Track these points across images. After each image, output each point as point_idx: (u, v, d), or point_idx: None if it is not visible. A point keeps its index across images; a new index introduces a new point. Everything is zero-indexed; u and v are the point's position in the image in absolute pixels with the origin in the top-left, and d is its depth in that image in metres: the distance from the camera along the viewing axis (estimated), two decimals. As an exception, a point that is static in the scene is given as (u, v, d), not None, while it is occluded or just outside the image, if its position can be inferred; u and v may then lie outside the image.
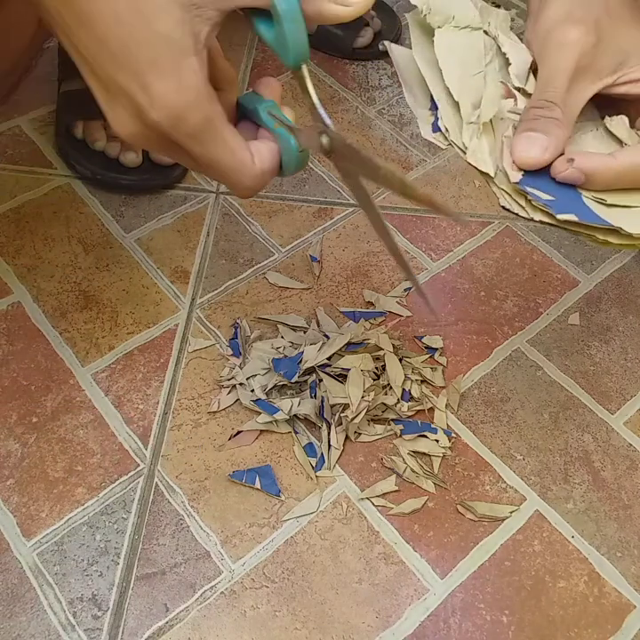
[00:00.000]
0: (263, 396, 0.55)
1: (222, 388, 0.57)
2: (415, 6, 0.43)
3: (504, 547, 0.52)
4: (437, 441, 0.55)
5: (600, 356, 0.62)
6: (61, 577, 0.49)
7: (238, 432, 0.55)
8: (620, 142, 0.43)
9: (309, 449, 0.55)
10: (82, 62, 0.35)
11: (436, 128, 0.42)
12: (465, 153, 0.41)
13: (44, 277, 0.63)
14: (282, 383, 0.56)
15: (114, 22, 0.32)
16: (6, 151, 0.73)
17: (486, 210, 0.72)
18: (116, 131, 0.36)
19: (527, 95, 0.43)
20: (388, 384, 0.56)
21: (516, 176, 0.40)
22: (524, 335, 0.63)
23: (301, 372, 0.55)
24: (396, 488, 0.53)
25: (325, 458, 0.54)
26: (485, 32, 0.45)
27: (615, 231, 0.39)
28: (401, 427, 0.55)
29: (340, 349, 0.57)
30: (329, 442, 0.54)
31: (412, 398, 0.57)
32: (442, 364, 0.60)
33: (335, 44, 0.85)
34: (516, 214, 0.40)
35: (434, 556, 0.51)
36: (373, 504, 0.53)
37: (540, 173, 0.40)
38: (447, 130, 0.42)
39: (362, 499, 0.53)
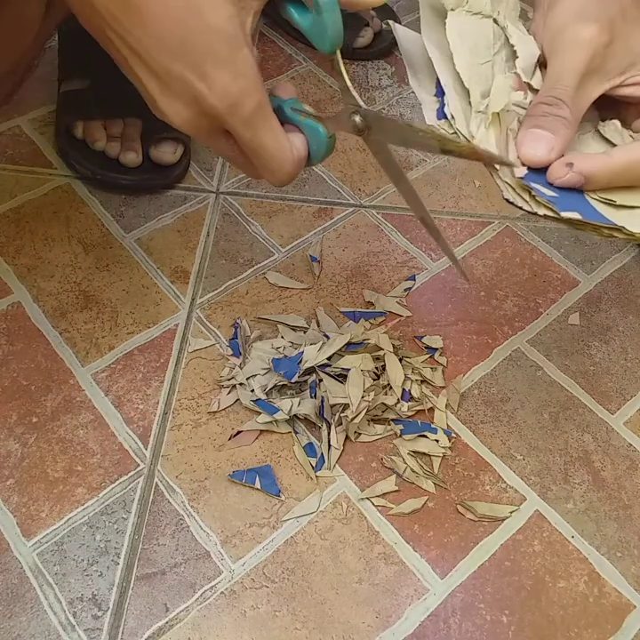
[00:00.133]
0: (263, 396, 0.55)
1: (222, 388, 0.57)
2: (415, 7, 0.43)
3: (504, 547, 0.52)
4: (437, 441, 0.55)
5: (600, 355, 0.62)
6: (61, 577, 0.49)
7: (238, 432, 0.55)
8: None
9: (309, 449, 0.55)
10: (132, 56, 0.37)
11: (440, 114, 0.41)
12: (470, 142, 0.41)
13: (44, 277, 0.63)
14: (282, 383, 0.56)
15: (171, 20, 0.35)
16: (6, 151, 0.73)
17: (486, 210, 0.72)
18: (169, 119, 0.38)
19: (533, 90, 0.42)
20: (388, 384, 0.56)
21: (521, 171, 0.40)
22: (524, 335, 0.63)
23: (301, 372, 0.55)
24: (396, 488, 0.53)
25: (325, 458, 0.54)
26: (495, 21, 0.44)
27: (619, 228, 0.39)
28: (401, 427, 0.55)
29: (340, 349, 0.57)
30: (329, 442, 0.54)
31: (411, 398, 0.57)
32: (442, 364, 0.60)
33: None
34: (520, 208, 0.39)
35: (434, 556, 0.51)
36: (373, 504, 0.53)
37: (544, 169, 0.40)
38: (453, 117, 0.41)
39: (362, 499, 0.53)
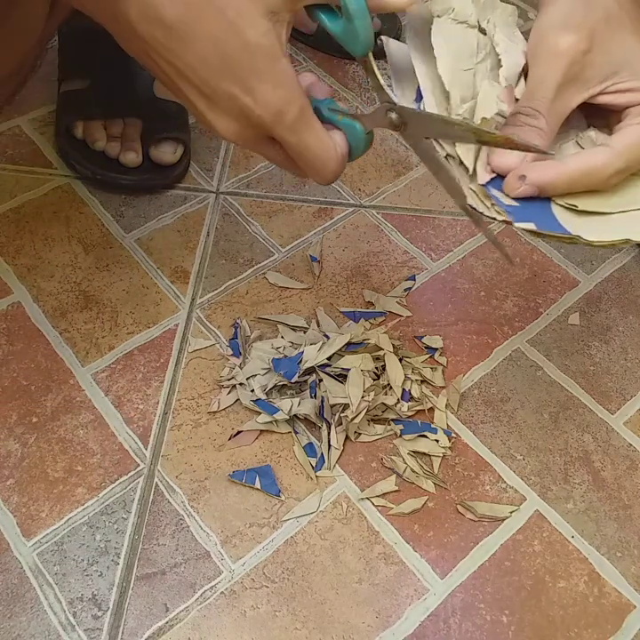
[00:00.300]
0: (263, 396, 0.55)
1: (222, 388, 0.57)
2: None
3: (504, 547, 0.52)
4: (437, 441, 0.55)
5: (600, 355, 0.62)
6: (61, 577, 0.49)
7: (238, 432, 0.55)
8: None
9: (309, 449, 0.55)
10: (179, 78, 0.39)
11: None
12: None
13: (44, 277, 0.63)
14: (282, 383, 0.56)
15: (212, 40, 0.37)
16: (6, 151, 0.73)
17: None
18: (220, 133, 0.41)
19: (516, 100, 0.43)
20: (388, 384, 0.56)
21: (485, 177, 0.41)
22: (524, 335, 0.63)
23: (301, 372, 0.55)
24: (396, 488, 0.53)
25: (325, 458, 0.54)
26: (483, 30, 0.44)
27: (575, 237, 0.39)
28: (401, 427, 0.55)
29: (340, 349, 0.57)
30: (329, 442, 0.54)
31: (412, 398, 0.57)
32: (442, 364, 0.60)
33: (335, 45, 0.85)
34: (481, 213, 0.40)
35: (434, 556, 0.51)
36: (373, 504, 0.53)
37: None
38: None
39: (362, 499, 0.53)
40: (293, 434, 0.55)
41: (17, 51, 0.57)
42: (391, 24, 0.89)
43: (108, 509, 0.51)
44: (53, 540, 0.50)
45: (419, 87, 0.43)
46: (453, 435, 0.56)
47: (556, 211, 0.40)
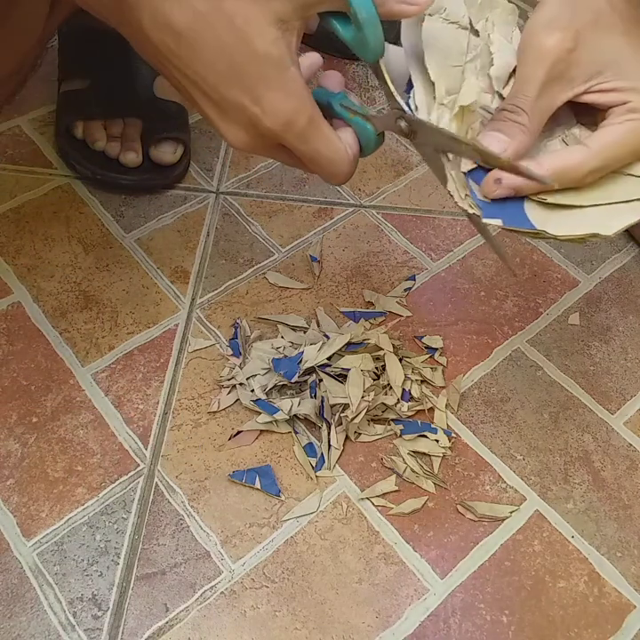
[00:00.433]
0: (263, 396, 0.55)
1: (222, 388, 0.57)
2: None
3: (504, 547, 0.52)
4: (437, 441, 0.55)
5: (600, 355, 0.62)
6: (61, 577, 0.49)
7: (238, 432, 0.55)
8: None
9: (309, 449, 0.55)
10: (190, 86, 0.39)
11: (407, 108, 0.42)
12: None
13: (44, 277, 0.63)
14: (282, 383, 0.56)
15: (221, 48, 0.37)
16: (6, 151, 0.73)
17: (486, 210, 0.72)
18: (229, 142, 0.41)
19: (502, 99, 0.43)
20: (388, 384, 0.56)
21: (467, 165, 0.41)
22: (524, 335, 0.63)
23: (301, 372, 0.55)
24: (396, 488, 0.53)
25: (325, 458, 0.54)
26: (476, 33, 0.45)
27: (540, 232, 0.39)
28: (401, 427, 0.55)
29: (340, 349, 0.57)
30: (329, 442, 0.54)
31: (412, 398, 0.57)
32: (442, 364, 0.60)
33: (335, 45, 0.85)
34: (456, 203, 0.41)
35: (434, 556, 0.51)
36: (373, 504, 0.53)
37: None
38: (417, 108, 0.42)
39: (362, 499, 0.53)
40: (293, 434, 0.55)
41: (17, 51, 0.57)
42: (391, 24, 0.89)
43: (107, 509, 0.51)
44: (53, 540, 0.50)
45: (409, 79, 0.44)
46: (453, 435, 0.56)
47: (528, 206, 0.41)
